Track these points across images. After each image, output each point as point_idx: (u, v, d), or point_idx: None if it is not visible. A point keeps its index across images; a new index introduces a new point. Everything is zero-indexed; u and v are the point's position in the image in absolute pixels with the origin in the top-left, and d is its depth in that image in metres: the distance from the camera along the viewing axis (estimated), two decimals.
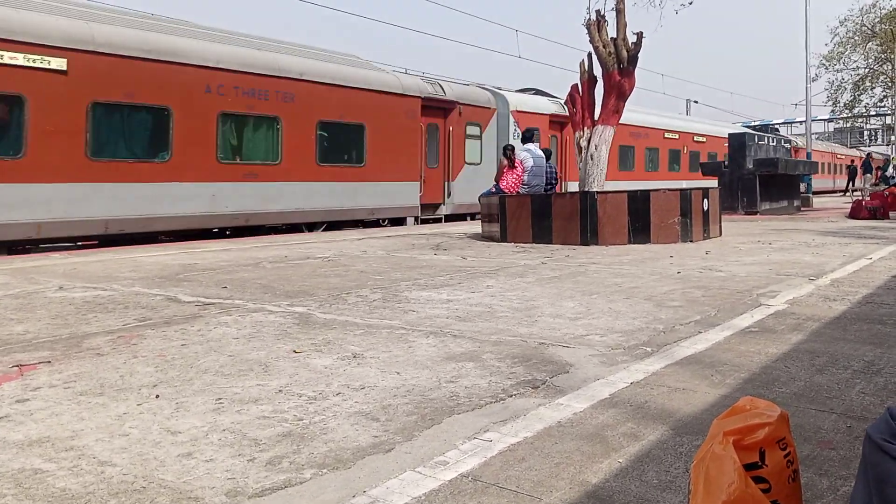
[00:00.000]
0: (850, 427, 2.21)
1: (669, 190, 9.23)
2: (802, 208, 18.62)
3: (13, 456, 2.05)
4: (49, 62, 9.19)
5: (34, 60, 9.07)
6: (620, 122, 10.32)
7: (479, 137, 17.00)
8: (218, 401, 2.56)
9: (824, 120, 59.27)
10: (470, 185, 16.25)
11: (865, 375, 2.78)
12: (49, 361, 3.16)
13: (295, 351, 3.28)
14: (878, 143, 63.75)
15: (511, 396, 2.57)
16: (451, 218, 16.26)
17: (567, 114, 18.63)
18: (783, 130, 48.07)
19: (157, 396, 2.62)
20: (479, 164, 16.83)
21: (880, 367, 2.90)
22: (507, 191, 10.95)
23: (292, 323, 3.97)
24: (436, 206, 16.03)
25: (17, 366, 3.08)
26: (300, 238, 10.94)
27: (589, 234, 8.70)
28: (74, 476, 1.91)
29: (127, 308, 4.52)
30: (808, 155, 24.15)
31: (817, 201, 23.77)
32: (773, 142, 17.99)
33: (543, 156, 11.54)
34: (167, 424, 2.32)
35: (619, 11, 9.97)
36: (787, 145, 20.01)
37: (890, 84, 33.81)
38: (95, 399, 2.60)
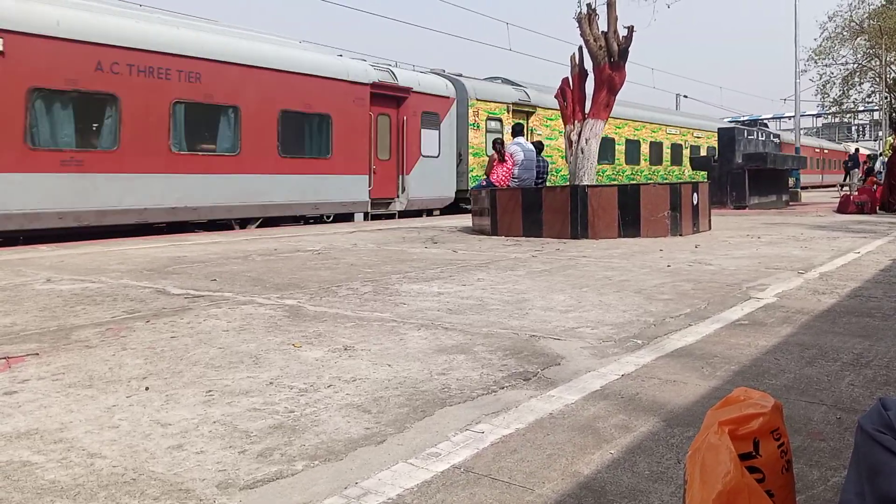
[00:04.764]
0: (840, 419, 2.22)
1: (660, 184, 9.25)
2: (791, 203, 18.74)
3: (1, 448, 2.03)
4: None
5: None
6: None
7: (437, 128, 15.87)
8: (208, 393, 2.54)
9: (813, 115, 59.66)
10: (427, 179, 15.46)
11: (854, 368, 2.80)
12: (37, 353, 3.13)
13: (293, 345, 3.26)
14: (865, 138, 64.23)
15: (503, 388, 2.57)
16: (405, 214, 15.14)
17: (532, 101, 18.55)
18: (772, 125, 48.30)
19: (147, 389, 2.60)
20: (437, 156, 15.85)
21: (869, 360, 2.92)
22: (497, 184, 10.95)
23: (282, 315, 3.95)
24: (388, 202, 15.03)
25: (4, 358, 3.05)
26: (289, 231, 10.90)
27: (579, 227, 8.72)
28: (64, 468, 1.89)
29: (115, 300, 4.49)
30: (797, 150, 24.28)
31: (805, 196, 23.92)
32: (762, 136, 18.08)
33: (534, 149, 11.54)
34: (157, 416, 2.30)
35: (610, 5, 9.96)
36: (776, 140, 20.08)
37: (878, 80, 33.99)
38: (84, 391, 2.57)
